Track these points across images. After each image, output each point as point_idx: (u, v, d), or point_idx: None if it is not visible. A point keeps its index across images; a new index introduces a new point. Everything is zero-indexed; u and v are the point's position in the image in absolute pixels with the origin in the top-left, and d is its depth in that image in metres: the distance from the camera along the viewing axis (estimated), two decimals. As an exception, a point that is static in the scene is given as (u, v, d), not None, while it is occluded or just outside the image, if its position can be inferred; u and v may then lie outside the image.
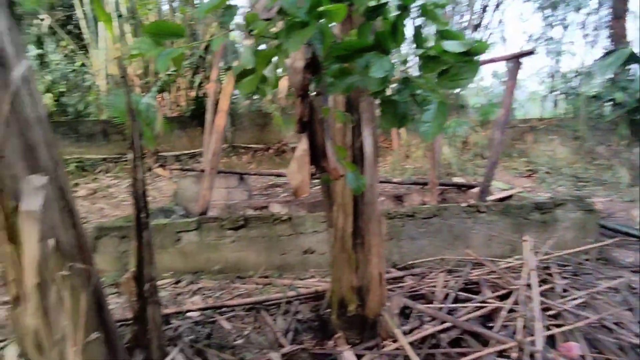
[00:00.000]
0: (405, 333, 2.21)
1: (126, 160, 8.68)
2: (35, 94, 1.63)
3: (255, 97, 8.88)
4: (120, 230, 3.75)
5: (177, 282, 3.64)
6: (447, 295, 2.71)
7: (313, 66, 1.59)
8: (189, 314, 2.98)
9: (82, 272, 1.73)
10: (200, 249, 3.68)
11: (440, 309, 2.47)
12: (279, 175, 6.11)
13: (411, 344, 2.08)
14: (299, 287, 3.17)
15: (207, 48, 8.81)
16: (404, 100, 1.34)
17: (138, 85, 9.15)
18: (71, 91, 9.80)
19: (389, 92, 1.43)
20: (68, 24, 9.97)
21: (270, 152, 9.26)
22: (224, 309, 2.99)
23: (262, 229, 3.61)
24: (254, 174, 5.96)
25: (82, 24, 9.38)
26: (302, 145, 1.58)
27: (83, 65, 9.87)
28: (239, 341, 2.60)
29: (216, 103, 5.27)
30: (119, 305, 3.20)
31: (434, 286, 2.89)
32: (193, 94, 9.39)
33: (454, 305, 2.56)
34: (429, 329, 2.23)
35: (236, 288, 3.44)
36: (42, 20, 9.56)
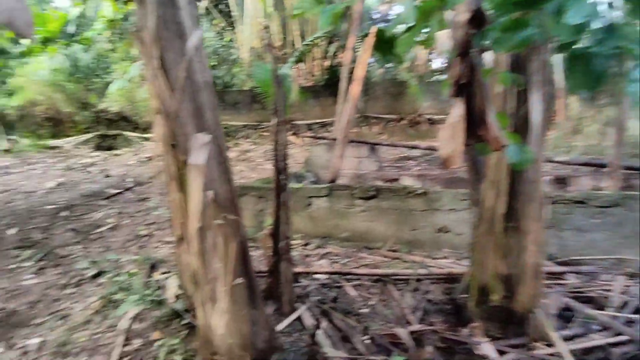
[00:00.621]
0: (564, 339, 1.94)
1: (264, 128, 9.54)
2: (204, 61, 1.85)
3: (390, 65, 8.67)
4: (258, 191, 4.16)
5: (306, 245, 3.90)
6: (625, 303, 2.27)
7: (477, 19, 1.42)
8: (316, 276, 3.18)
9: (233, 223, 1.96)
10: (329, 215, 3.85)
11: (616, 317, 2.09)
12: (413, 147, 5.92)
13: (572, 352, 1.81)
14: (430, 266, 3.07)
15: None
16: (605, 55, 1.07)
17: (277, 56, 9.83)
18: (220, 64, 11.11)
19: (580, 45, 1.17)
20: (220, 4, 11.22)
21: (403, 123, 9.00)
22: (350, 276, 3.10)
23: (393, 201, 3.56)
24: (387, 145, 5.89)
25: (231, 2, 10.43)
26: (458, 111, 1.44)
27: (230, 40, 11.04)
28: (364, 310, 2.66)
29: (351, 71, 5.31)
30: (254, 259, 3.61)
31: (608, 290, 2.45)
32: (327, 63, 9.66)
33: (635, 316, 2.13)
34: (597, 339, 1.91)
35: (363, 258, 3.51)
36: (200, 1, 10.97)
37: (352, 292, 2.88)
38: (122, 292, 3.14)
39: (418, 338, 2.19)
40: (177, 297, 2.95)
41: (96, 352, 2.55)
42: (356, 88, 4.78)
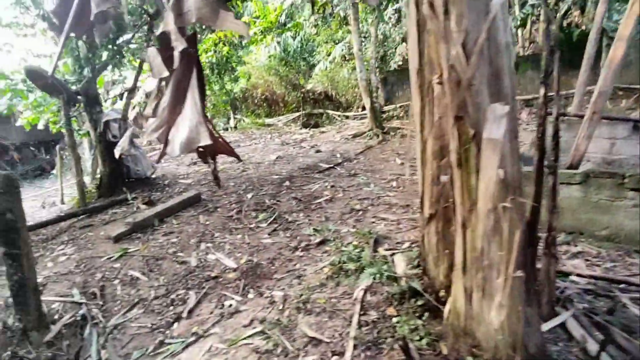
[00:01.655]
0: None
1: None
2: (506, 19, 1.67)
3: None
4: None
5: (548, 239, 3.43)
6: None
7: None
8: (573, 278, 2.73)
9: (520, 206, 1.77)
10: (582, 207, 3.27)
11: None
12: None
13: None
14: None
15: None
16: None
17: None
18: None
19: None
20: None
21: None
22: (624, 286, 2.55)
23: (693, 197, 2.76)
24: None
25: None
26: None
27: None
28: (662, 334, 2.13)
29: (600, 31, 4.35)
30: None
31: None
32: (554, 26, 8.20)
33: None
34: None
35: (635, 264, 2.86)
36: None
37: (633, 307, 2.36)
38: (351, 262, 3.37)
39: None
40: (407, 275, 2.97)
41: (335, 315, 2.78)
42: (619, 50, 3.87)
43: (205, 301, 3.42)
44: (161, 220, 5.11)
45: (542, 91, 2.35)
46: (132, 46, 7.70)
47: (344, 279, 3.21)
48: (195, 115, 1.71)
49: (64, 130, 9.12)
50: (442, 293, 2.43)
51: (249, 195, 5.81)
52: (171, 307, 3.39)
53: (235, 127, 11.71)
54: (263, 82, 11.89)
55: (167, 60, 1.80)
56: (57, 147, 12.88)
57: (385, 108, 9.77)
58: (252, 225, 4.80)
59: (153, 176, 7.28)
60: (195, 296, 3.45)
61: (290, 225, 4.68)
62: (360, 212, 4.68)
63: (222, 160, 8.87)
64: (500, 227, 1.73)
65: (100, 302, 3.50)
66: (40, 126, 9.49)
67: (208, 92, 11.72)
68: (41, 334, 3.10)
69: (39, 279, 3.84)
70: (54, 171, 14.06)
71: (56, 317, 3.35)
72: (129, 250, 4.35)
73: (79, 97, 6.13)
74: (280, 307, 3.05)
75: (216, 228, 4.81)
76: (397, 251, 3.46)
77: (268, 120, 11.70)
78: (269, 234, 4.52)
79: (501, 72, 1.64)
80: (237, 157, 2.46)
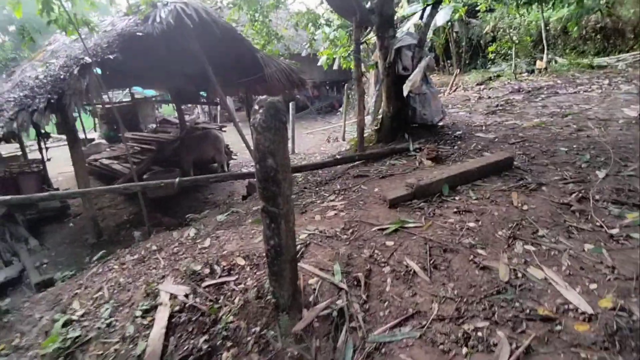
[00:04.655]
0: None
1: None
2: None
3: None
4: None
5: None
6: None
7: None
8: None
9: None
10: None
11: None
12: None
13: None
14: None
15: None
16: None
17: None
18: None
19: None
20: None
21: None
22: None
23: None
24: None
25: None
26: None
27: None
28: None
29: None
30: None
31: None
32: None
33: None
34: None
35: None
36: None
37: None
38: None
39: None
40: None
41: None
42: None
43: (530, 364, 1.66)
44: (452, 187, 3.49)
45: None
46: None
47: None
48: None
49: (352, 67, 8.74)
50: None
51: (600, 174, 3.41)
52: (464, 349, 1.81)
53: (545, 70, 8.57)
54: (601, 4, 7.97)
55: None
56: (345, 85, 13.35)
57: None
58: (614, 231, 2.58)
59: (441, 124, 5.64)
60: (509, 349, 1.75)
61: None
62: None
63: (535, 110, 6.27)
64: None
65: (364, 296, 2.26)
66: (334, 67, 9.58)
67: (518, 23, 8.70)
68: (291, 319, 2.16)
69: (303, 235, 2.96)
70: (341, 109, 14.87)
71: (311, 298, 2.32)
72: (407, 225, 2.96)
73: (372, 16, 4.94)
74: None
75: (541, 219, 2.83)
76: None
77: (598, 60, 7.92)
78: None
79: None
80: None
